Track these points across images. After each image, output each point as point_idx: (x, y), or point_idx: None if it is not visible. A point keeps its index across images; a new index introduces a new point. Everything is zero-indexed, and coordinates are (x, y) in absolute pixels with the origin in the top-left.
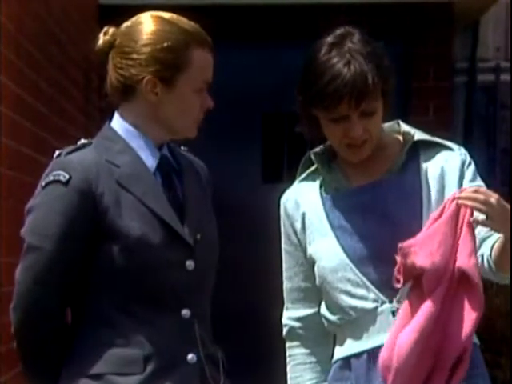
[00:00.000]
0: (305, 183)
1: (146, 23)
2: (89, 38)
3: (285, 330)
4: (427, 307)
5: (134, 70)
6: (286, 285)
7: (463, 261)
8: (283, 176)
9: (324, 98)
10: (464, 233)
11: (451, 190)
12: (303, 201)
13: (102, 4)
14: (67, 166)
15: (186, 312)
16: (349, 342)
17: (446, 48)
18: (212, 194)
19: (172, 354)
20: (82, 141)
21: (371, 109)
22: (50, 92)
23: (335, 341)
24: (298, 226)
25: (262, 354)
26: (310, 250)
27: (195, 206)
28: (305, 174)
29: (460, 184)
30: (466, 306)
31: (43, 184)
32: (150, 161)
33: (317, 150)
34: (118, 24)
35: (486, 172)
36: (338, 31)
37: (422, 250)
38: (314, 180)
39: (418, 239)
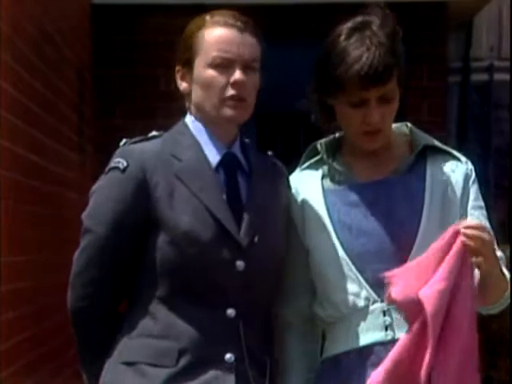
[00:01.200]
0: (307, 172)
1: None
2: (82, 37)
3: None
4: (401, 338)
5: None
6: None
7: (424, 289)
8: None
9: (345, 81)
10: (445, 262)
11: (452, 202)
12: (304, 189)
13: (96, 3)
14: (127, 154)
15: (231, 311)
16: (339, 339)
17: (439, 48)
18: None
19: (209, 351)
20: (153, 132)
21: (390, 94)
22: (44, 92)
23: (325, 339)
24: (299, 211)
25: None
26: (307, 241)
27: (259, 207)
28: (307, 164)
29: (462, 199)
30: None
31: (106, 170)
32: (213, 157)
33: (323, 140)
34: (111, 23)
35: (480, 171)
36: (358, 18)
37: (401, 281)
38: (316, 170)
39: (401, 270)
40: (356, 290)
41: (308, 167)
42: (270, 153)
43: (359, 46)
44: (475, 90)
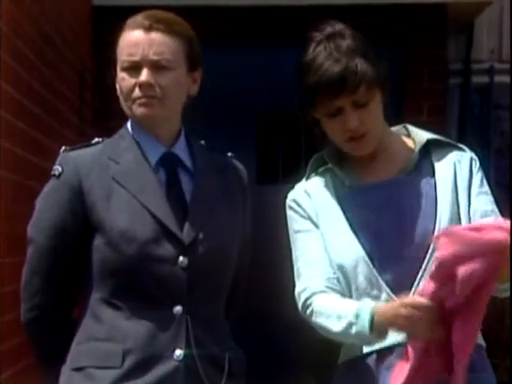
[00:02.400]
0: (315, 179)
1: None
2: (83, 38)
3: (303, 296)
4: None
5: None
6: (300, 261)
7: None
8: (278, 177)
9: (312, 93)
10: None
11: (462, 194)
12: (315, 193)
13: (96, 5)
14: (63, 160)
15: (178, 309)
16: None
17: (440, 50)
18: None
19: (156, 349)
20: (95, 139)
21: (363, 99)
22: (44, 93)
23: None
24: (311, 210)
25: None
26: (325, 242)
27: (204, 206)
28: (313, 174)
29: (468, 188)
30: None
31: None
32: (153, 157)
33: (328, 149)
34: (111, 25)
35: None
36: (327, 30)
37: (447, 246)
38: (324, 178)
39: (449, 233)
40: (376, 292)
41: (315, 176)
42: (229, 154)
43: (323, 57)
44: (476, 92)
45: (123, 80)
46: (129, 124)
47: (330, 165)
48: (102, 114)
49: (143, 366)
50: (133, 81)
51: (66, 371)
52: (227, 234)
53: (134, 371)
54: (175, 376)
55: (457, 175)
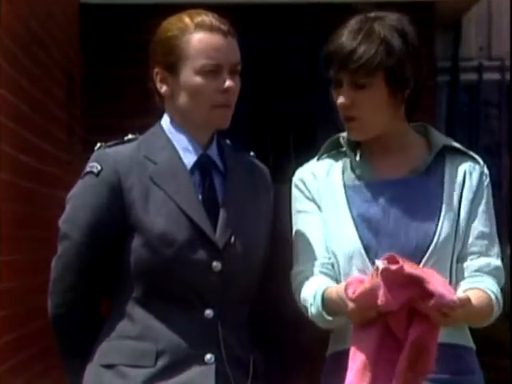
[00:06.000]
0: (326, 161)
1: (167, 20)
2: (71, 36)
3: (297, 280)
4: None
5: (151, 64)
6: (299, 242)
7: None
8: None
9: (325, 59)
10: None
11: (467, 205)
12: (322, 177)
13: (84, 3)
14: (101, 158)
15: (209, 312)
16: (345, 335)
17: (428, 47)
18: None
19: (188, 351)
20: (129, 136)
21: (360, 80)
22: (32, 92)
23: (331, 334)
24: (316, 193)
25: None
26: (325, 228)
27: (235, 208)
28: (325, 155)
29: (473, 202)
30: None
31: (82, 175)
32: (188, 158)
33: (344, 134)
34: (99, 23)
35: None
36: (371, 14)
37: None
38: (336, 162)
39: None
40: None
41: (325, 158)
42: (251, 153)
43: (345, 32)
44: (464, 90)
45: (202, 85)
46: (164, 123)
47: (344, 148)
48: (89, 111)
49: (175, 367)
50: (214, 86)
51: (93, 367)
52: (256, 236)
53: (167, 372)
54: (206, 379)
55: (465, 186)
